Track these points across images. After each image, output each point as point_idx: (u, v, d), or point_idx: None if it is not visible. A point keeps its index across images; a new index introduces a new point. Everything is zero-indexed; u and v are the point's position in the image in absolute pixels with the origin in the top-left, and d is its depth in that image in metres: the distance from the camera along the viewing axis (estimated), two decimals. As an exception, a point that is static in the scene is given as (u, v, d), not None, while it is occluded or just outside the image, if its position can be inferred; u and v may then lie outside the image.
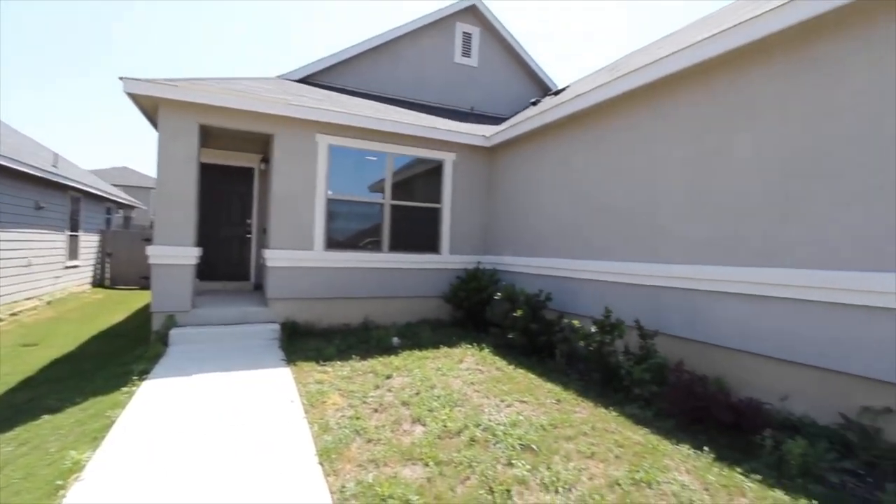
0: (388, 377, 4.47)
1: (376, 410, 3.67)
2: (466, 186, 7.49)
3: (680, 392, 3.37)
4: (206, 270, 7.82)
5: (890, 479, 2.62)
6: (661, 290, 4.50)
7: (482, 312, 6.24)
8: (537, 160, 6.52)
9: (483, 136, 7.43)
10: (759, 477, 2.64)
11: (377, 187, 7.02)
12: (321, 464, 2.80)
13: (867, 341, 3.00)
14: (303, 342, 5.70)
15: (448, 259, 7.30)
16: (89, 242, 13.42)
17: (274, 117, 6.10)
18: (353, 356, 5.11)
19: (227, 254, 8.19)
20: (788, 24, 3.38)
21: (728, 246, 3.91)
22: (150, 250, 5.53)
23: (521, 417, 3.48)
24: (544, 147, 6.37)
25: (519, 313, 5.11)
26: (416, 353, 5.30)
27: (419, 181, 7.50)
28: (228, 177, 8.17)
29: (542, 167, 6.42)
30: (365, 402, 3.82)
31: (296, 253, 6.25)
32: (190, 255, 5.69)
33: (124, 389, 3.99)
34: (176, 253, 5.60)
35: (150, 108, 5.66)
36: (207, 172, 7.84)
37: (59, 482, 2.54)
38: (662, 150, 4.57)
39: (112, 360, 5.54)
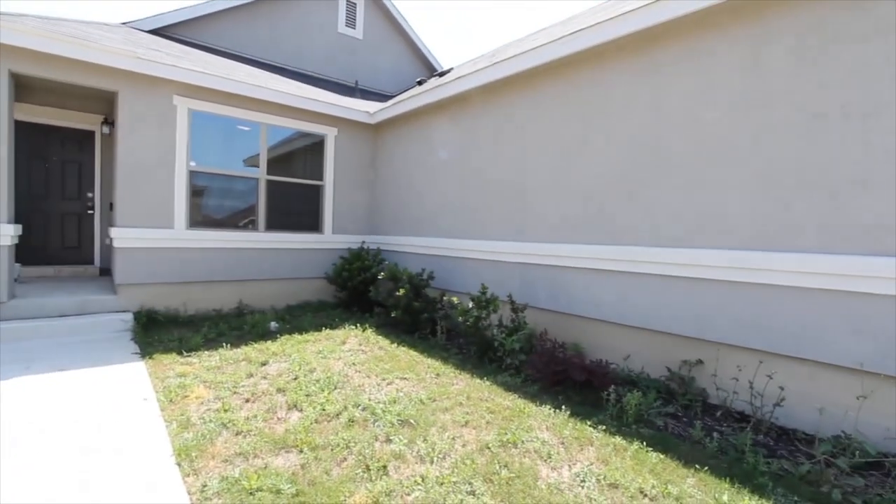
0: (264, 364, 4.21)
1: (248, 400, 3.44)
2: (350, 164, 7.26)
3: (543, 358, 3.72)
4: (31, 253, 6.52)
5: (698, 417, 3.23)
6: (529, 266, 4.89)
7: (366, 293, 6.17)
8: (419, 140, 6.55)
9: (367, 112, 7.22)
10: (603, 427, 3.05)
11: (252, 161, 6.45)
12: (179, 464, 2.54)
13: (678, 306, 3.62)
14: (163, 332, 5.08)
15: (331, 239, 7.05)
16: None
17: (118, 72, 5.19)
18: (224, 344, 4.71)
19: (61, 233, 6.90)
20: (631, 30, 3.82)
21: (583, 225, 4.37)
22: (-57, 228, 4.41)
23: (400, 394, 3.54)
24: (426, 127, 6.42)
25: (402, 292, 5.16)
26: (297, 337, 5.07)
27: (300, 156, 7.06)
28: (61, 141, 6.82)
29: (423, 147, 6.47)
30: (235, 393, 3.56)
31: (152, 232, 5.49)
32: (4, 233, 4.66)
33: None
34: (-18, 231, 4.55)
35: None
36: (31, 134, 6.48)
37: None
38: (533, 135, 4.90)
39: None
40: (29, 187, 6.53)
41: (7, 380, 3.59)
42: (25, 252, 6.48)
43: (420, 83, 8.83)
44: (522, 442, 2.84)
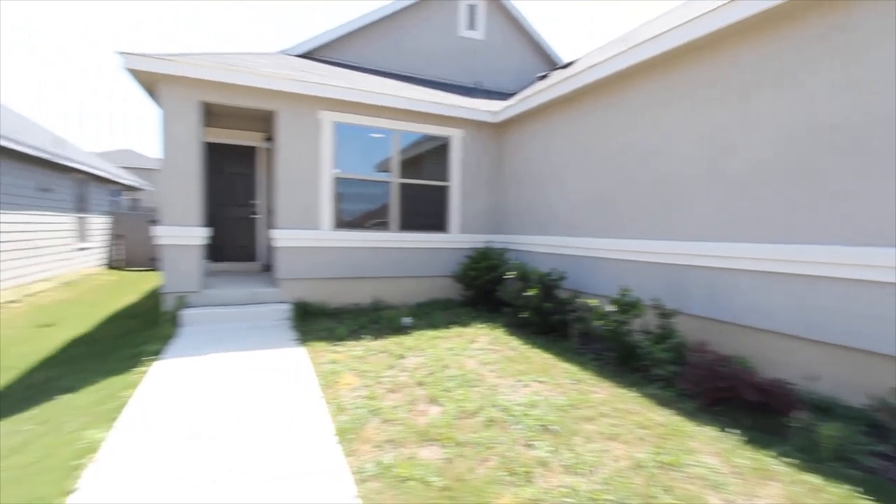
0: (402, 357, 4.43)
1: (391, 391, 3.63)
2: (475, 164, 7.32)
3: (702, 372, 3.29)
4: (214, 251, 7.79)
5: (923, 460, 2.55)
6: (679, 268, 4.38)
7: (493, 292, 6.16)
8: (548, 136, 6.32)
9: (491, 111, 7.21)
10: (788, 460, 2.57)
11: (385, 166, 6.88)
12: (340, 443, 2.77)
13: (888, 319, 2.89)
14: (314, 322, 5.67)
15: (457, 238, 7.19)
16: (99, 224, 13.42)
17: (276, 93, 5.93)
18: (365, 336, 5.07)
19: (235, 234, 8.13)
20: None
21: (746, 220, 3.76)
22: (158, 231, 5.46)
23: (538, 398, 3.43)
24: (555, 122, 6.17)
25: (532, 292, 5.02)
26: (429, 333, 5.25)
27: (427, 159, 7.34)
28: (233, 156, 8.04)
29: (552, 143, 6.23)
30: (379, 382, 3.78)
31: (303, 233, 6.17)
32: (197, 235, 5.63)
33: (138, 370, 3.98)
34: (183, 233, 5.54)
35: (149, 84, 5.51)
36: (212, 152, 7.74)
37: (75, 462, 2.52)
38: (679, 121, 4.38)
39: (125, 341, 5.55)
40: (212, 197, 7.82)
41: (208, 354, 4.30)
42: (210, 250, 7.77)
43: (542, 78, 8.58)
44: (684, 465, 2.52)
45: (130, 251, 14.11)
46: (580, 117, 5.73)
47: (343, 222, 6.54)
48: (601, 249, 5.28)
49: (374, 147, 6.84)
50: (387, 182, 6.82)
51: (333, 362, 4.24)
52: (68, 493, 2.26)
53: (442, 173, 7.19)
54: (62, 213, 11.17)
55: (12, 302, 8.27)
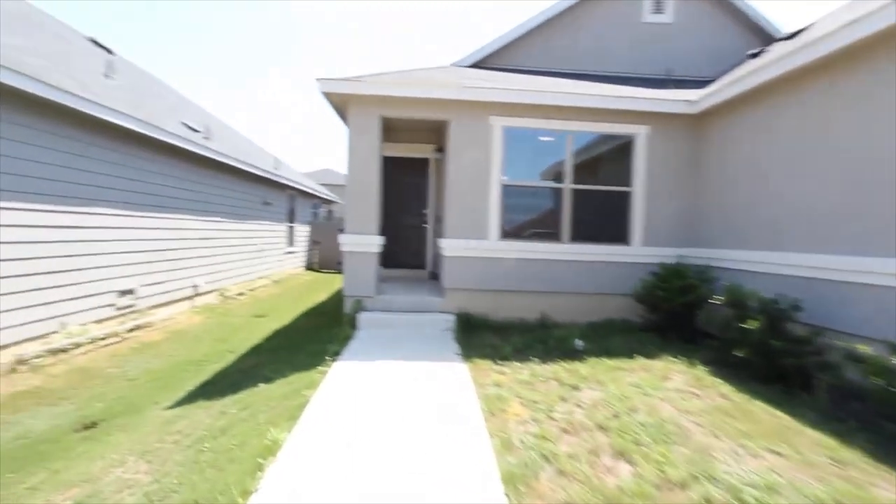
0: (576, 389, 3.81)
1: (566, 431, 3.07)
2: (664, 164, 6.23)
3: None
4: (388, 258, 8.27)
5: None
6: None
7: (689, 318, 5.05)
8: (772, 125, 4.94)
9: (686, 100, 6.05)
10: None
11: (555, 171, 6.33)
12: (507, 494, 2.34)
13: None
14: (477, 336, 5.43)
15: (640, 251, 6.19)
16: (302, 232, 15.92)
17: (448, 102, 5.92)
18: (532, 357, 4.59)
19: (406, 243, 8.53)
20: None
21: None
22: (342, 238, 5.92)
23: (779, 479, 2.46)
24: (783, 105, 4.78)
25: (753, 324, 3.87)
26: (606, 361, 4.50)
27: (604, 162, 6.54)
28: (406, 168, 8.47)
29: (779, 134, 4.84)
30: (551, 418, 3.26)
31: (470, 242, 6.02)
32: (374, 243, 5.93)
33: (319, 369, 4.22)
34: (362, 241, 5.89)
35: (341, 105, 6.04)
36: (389, 165, 8.25)
37: (259, 460, 2.61)
38: None
39: (315, 337, 6.15)
40: (387, 206, 8.34)
41: (378, 361, 4.37)
42: (384, 257, 8.28)
43: (754, 56, 6.95)
44: None
45: (324, 255, 16.37)
46: (820, 98, 4.30)
47: (510, 232, 6.20)
48: (862, 272, 3.81)
49: (543, 152, 6.36)
50: (557, 189, 6.25)
51: (497, 385, 3.87)
52: (249, 493, 2.31)
53: (622, 177, 6.31)
54: (277, 223, 13.48)
55: (240, 294, 10.16)
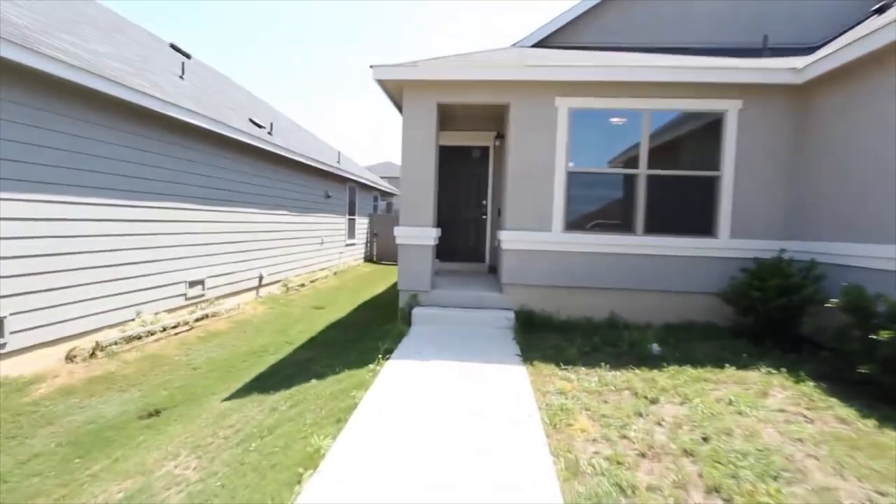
0: (654, 402, 3.32)
1: (643, 455, 2.62)
2: (759, 144, 5.40)
3: None
4: (445, 251, 8.03)
5: None
6: None
7: (791, 323, 4.32)
8: (907, 89, 4.04)
9: (790, 68, 5.17)
10: None
11: (628, 156, 5.71)
12: (575, 534, 1.97)
13: None
14: (539, 336, 5.02)
15: (727, 244, 5.43)
16: (362, 225, 16.15)
17: (509, 84, 5.50)
18: (601, 362, 4.12)
19: (464, 235, 8.23)
20: None
21: None
22: (397, 231, 5.73)
23: (943, 544, 1.88)
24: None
25: (885, 336, 3.14)
26: (689, 370, 3.93)
27: (686, 144, 5.81)
28: (464, 158, 8.14)
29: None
30: (625, 437, 2.82)
31: (532, 234, 5.59)
32: (429, 235, 5.67)
33: (370, 367, 4.05)
34: (417, 234, 5.66)
35: (396, 92, 5.81)
36: (446, 155, 7.98)
37: (300, 469, 2.44)
38: None
39: (368, 331, 6.06)
40: (444, 198, 8.08)
41: (431, 361, 4.12)
42: (440, 250, 8.05)
43: (881, 10, 5.84)
44: None
45: (382, 247, 16.52)
46: None
47: (576, 224, 5.69)
48: None
49: (614, 136, 5.76)
50: (631, 175, 5.63)
51: (561, 393, 3.47)
52: (286, 506, 2.13)
53: (707, 160, 5.56)
54: (338, 215, 13.73)
55: (302, 286, 10.42)
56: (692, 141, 5.75)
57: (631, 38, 7.54)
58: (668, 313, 5.51)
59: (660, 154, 5.59)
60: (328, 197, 12.64)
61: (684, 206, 5.65)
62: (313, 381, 4.13)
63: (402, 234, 5.69)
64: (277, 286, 9.70)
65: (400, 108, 6.01)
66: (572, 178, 5.62)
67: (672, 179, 5.59)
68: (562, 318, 5.55)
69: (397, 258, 5.86)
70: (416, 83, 5.53)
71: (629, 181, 5.64)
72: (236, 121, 8.36)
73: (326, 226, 12.67)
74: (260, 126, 9.55)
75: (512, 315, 5.40)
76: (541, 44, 7.86)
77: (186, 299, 6.84)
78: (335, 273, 12.67)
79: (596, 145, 5.75)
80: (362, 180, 15.38)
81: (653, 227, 5.56)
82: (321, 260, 12.29)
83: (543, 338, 4.97)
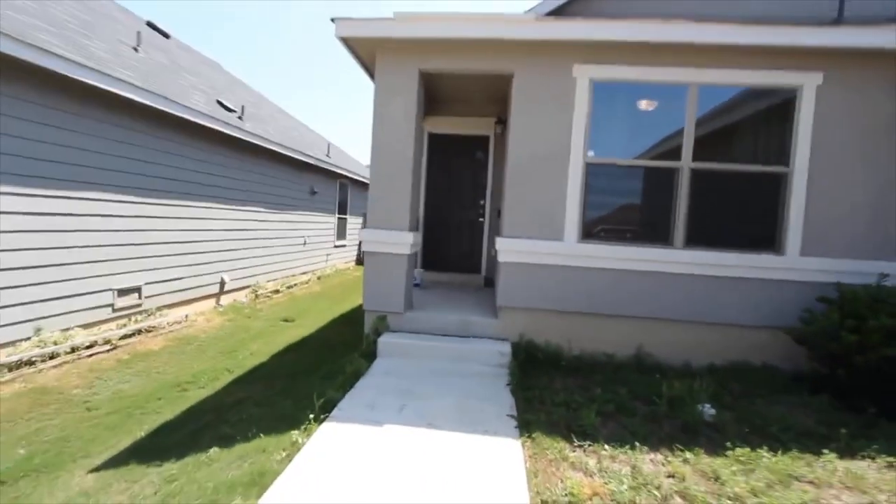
0: (728, 528, 2.02)
1: None
2: (844, 131, 4.07)
3: None
4: (432, 259, 6.76)
5: None
6: None
7: (908, 383, 2.99)
8: None
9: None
10: None
11: (665, 145, 4.40)
12: None
13: None
14: (544, 381, 3.73)
15: (798, 264, 4.10)
16: (355, 225, 14.90)
17: (514, 46, 4.23)
18: (632, 434, 2.84)
19: (457, 241, 6.94)
20: None
21: None
22: (362, 235, 4.47)
23: None
24: None
25: None
26: (765, 456, 2.61)
27: (744, 130, 4.49)
28: (458, 149, 6.85)
29: None
30: None
31: (538, 244, 4.29)
32: (405, 242, 4.39)
33: (292, 435, 2.78)
34: (389, 239, 4.39)
35: (368, 56, 4.55)
36: (434, 145, 6.72)
37: None
38: None
39: (329, 358, 4.80)
40: (433, 196, 6.80)
41: (386, 426, 2.84)
42: (429, 258, 6.77)
43: None
44: None
45: (378, 250, 15.24)
46: None
47: (595, 231, 4.39)
48: None
49: (648, 118, 4.45)
50: (669, 169, 4.32)
51: (572, 498, 2.17)
52: None
53: (772, 152, 4.25)
54: (327, 214, 12.50)
55: (276, 292, 9.17)
56: (752, 127, 4.44)
57: (669, 9, 6.20)
58: (712, 351, 4.19)
59: (708, 143, 4.27)
60: (314, 193, 11.41)
61: (738, 211, 4.33)
62: (213, 451, 2.86)
63: (368, 239, 4.42)
64: (245, 293, 8.48)
65: (372, 75, 4.75)
66: (592, 171, 4.32)
67: (723, 176, 4.27)
68: (573, 354, 4.25)
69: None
70: (393, 43, 4.28)
71: (667, 177, 4.32)
72: (199, 102, 7.15)
73: (311, 225, 11.44)
74: (230, 110, 8.34)
75: (508, 348, 4.11)
76: (558, 11, 6.54)
77: (114, 311, 5.61)
78: (319, 277, 11.43)
79: (624, 129, 4.46)
80: (356, 176, 14.14)
81: (696, 239, 4.24)
82: (303, 262, 11.06)
83: (549, 384, 3.69)
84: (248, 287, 8.56)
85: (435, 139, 6.68)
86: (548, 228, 4.30)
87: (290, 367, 4.89)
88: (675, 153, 4.26)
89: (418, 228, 6.34)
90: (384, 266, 4.42)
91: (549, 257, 4.27)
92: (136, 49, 7.18)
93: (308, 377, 4.32)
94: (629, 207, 4.62)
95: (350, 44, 4.31)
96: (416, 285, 6.02)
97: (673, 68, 4.14)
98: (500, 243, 4.39)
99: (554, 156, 4.28)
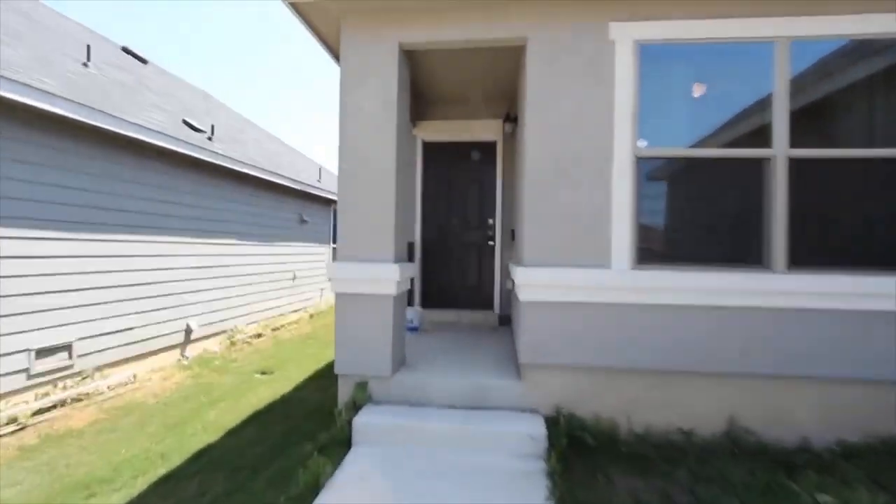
0: None
1: None
2: None
3: None
4: (435, 294, 5.52)
5: None
6: None
7: None
8: None
9: None
10: None
11: (746, 127, 3.19)
12: None
13: None
14: (601, 487, 2.41)
15: (961, 288, 2.79)
16: (354, 254, 13.74)
17: (528, 6, 3.09)
18: None
19: (461, 270, 5.70)
20: None
21: None
22: (330, 271, 3.24)
23: None
24: None
25: None
26: None
27: (861, 102, 3.26)
28: (460, 159, 5.70)
29: None
30: None
31: (573, 274, 3.04)
32: (389, 277, 3.16)
33: None
34: (366, 274, 3.16)
35: (331, 31, 3.44)
36: (430, 155, 5.58)
37: None
38: None
39: (300, 434, 3.54)
40: (432, 217, 5.62)
41: None
42: (427, 293, 5.54)
43: None
44: None
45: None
46: None
47: (655, 252, 3.14)
48: None
49: (716, 91, 3.25)
50: (756, 160, 3.08)
51: None
52: None
53: (896, 131, 3.01)
54: (320, 244, 11.38)
55: (258, 336, 7.94)
56: (872, 96, 3.20)
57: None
58: (841, 419, 2.86)
59: (808, 122, 3.04)
60: (304, 222, 10.32)
61: (864, 217, 3.06)
62: None
63: (338, 277, 3.20)
64: (219, 339, 7.26)
65: (337, 59, 3.63)
66: (645, 167, 3.10)
67: (838, 166, 3.02)
68: (636, 433, 2.93)
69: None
70: (365, 9, 3.16)
71: (753, 171, 3.08)
72: (156, 120, 6.14)
73: (302, 257, 10.30)
74: (198, 130, 7.33)
75: (541, 429, 2.81)
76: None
77: (30, 377, 4.41)
78: (311, 315, 10.21)
79: (684, 110, 3.26)
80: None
81: (803, 258, 2.96)
82: (293, 300, 9.86)
83: (609, 490, 2.37)
84: (223, 332, 7.35)
85: (431, 148, 5.54)
86: (585, 251, 3.05)
87: (243, 452, 3.62)
88: (762, 136, 3.03)
89: (412, 258, 5.12)
90: (362, 312, 3.18)
91: (591, 292, 3.00)
92: (85, 65, 6.24)
93: (257, 475, 3.05)
94: (701, 214, 3.37)
95: (303, 11, 3.19)
96: (413, 329, 4.77)
97: (752, 20, 2.96)
98: (521, 275, 3.14)
99: (589, 150, 3.08)
